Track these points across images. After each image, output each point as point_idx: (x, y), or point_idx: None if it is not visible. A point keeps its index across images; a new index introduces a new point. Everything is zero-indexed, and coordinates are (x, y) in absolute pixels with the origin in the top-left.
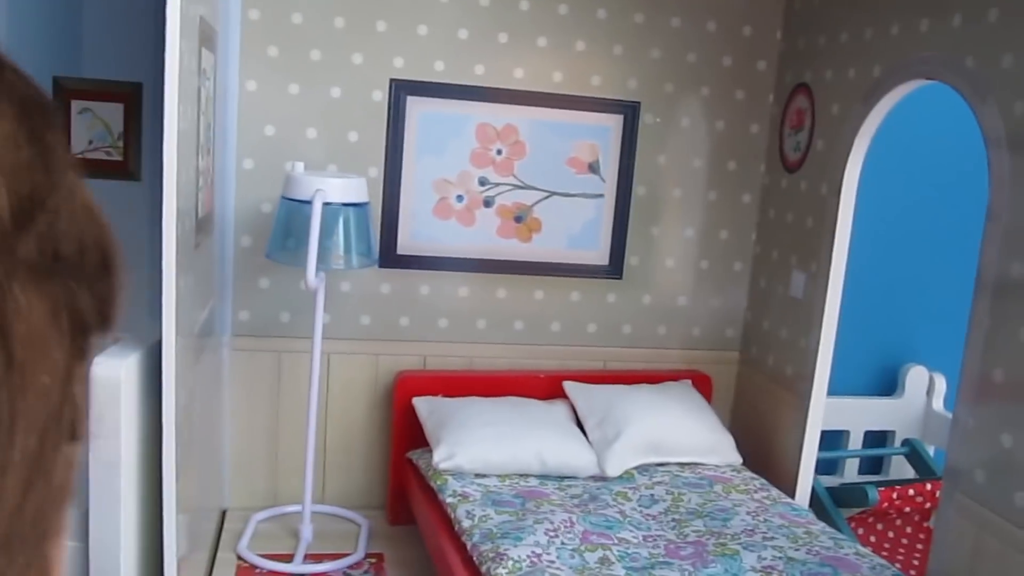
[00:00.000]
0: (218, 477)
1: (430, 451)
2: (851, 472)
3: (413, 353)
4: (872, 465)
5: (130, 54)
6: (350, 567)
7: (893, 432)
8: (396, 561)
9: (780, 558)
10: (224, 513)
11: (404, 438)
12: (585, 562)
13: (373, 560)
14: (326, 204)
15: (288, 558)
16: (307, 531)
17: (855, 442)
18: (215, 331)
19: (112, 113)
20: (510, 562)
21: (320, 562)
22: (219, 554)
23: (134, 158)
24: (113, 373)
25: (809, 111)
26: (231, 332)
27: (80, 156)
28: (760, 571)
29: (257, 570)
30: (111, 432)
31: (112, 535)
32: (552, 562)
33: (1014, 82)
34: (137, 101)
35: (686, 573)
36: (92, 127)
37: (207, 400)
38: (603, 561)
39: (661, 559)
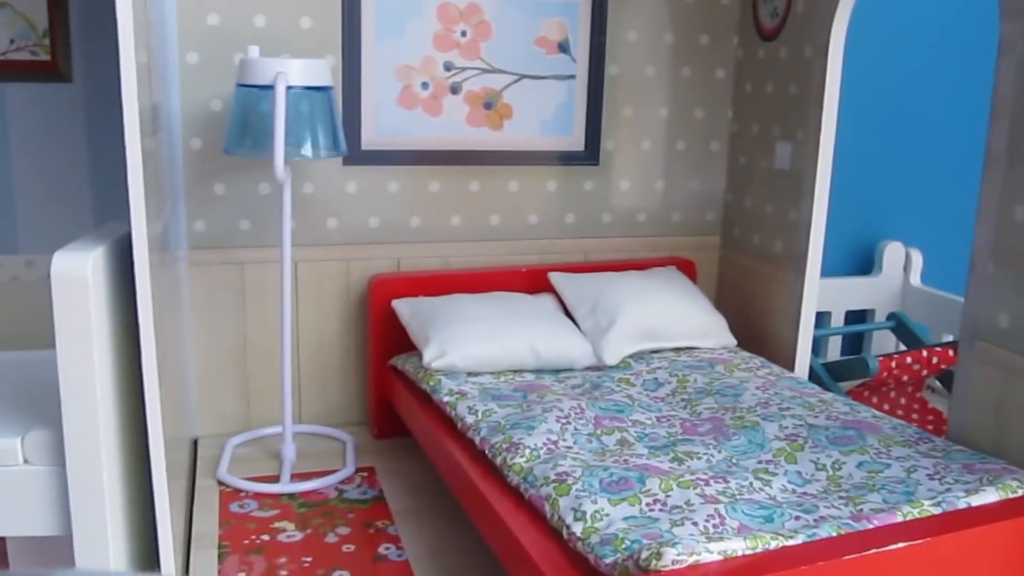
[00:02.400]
0: (187, 404)
1: (415, 355)
2: (834, 353)
3: (385, 256)
4: (853, 346)
5: None
6: (341, 482)
7: (873, 311)
8: (388, 472)
9: (801, 426)
10: (196, 442)
11: (383, 346)
12: (604, 445)
13: (364, 474)
14: (288, 88)
15: (273, 479)
16: (290, 450)
17: (836, 322)
18: (170, 245)
19: (34, 7)
20: (527, 451)
21: (309, 480)
22: (198, 482)
23: (63, 57)
24: (78, 269)
25: None
26: (187, 245)
27: (2, 57)
28: (784, 439)
29: (242, 493)
30: (81, 338)
31: (92, 456)
32: (570, 447)
33: None
34: None
35: (710, 447)
36: (12, 24)
37: (170, 319)
38: (622, 443)
39: (680, 437)
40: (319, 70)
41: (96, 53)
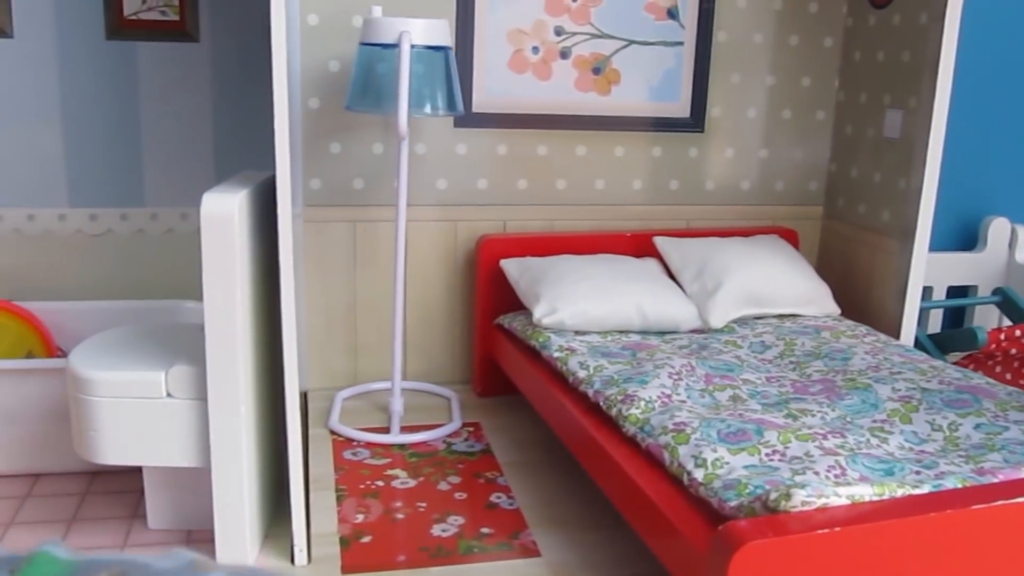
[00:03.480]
0: (301, 357)
1: (523, 313)
2: (935, 328)
3: (492, 218)
4: (955, 321)
5: None
6: (449, 435)
7: (975, 287)
8: (493, 428)
9: (914, 389)
10: (305, 395)
11: (489, 306)
12: (716, 400)
13: (471, 428)
14: (411, 47)
15: (383, 431)
16: (398, 404)
17: (938, 298)
18: (296, 201)
19: None
20: (642, 403)
21: (418, 432)
22: (311, 431)
23: (191, 17)
24: (227, 209)
25: None
26: (303, 202)
27: (133, 16)
28: (898, 400)
29: (354, 442)
30: (227, 275)
31: (231, 390)
32: (683, 401)
33: None
34: None
35: (823, 405)
36: None
37: (296, 272)
38: (735, 399)
39: (792, 396)
40: (440, 30)
41: (221, 14)
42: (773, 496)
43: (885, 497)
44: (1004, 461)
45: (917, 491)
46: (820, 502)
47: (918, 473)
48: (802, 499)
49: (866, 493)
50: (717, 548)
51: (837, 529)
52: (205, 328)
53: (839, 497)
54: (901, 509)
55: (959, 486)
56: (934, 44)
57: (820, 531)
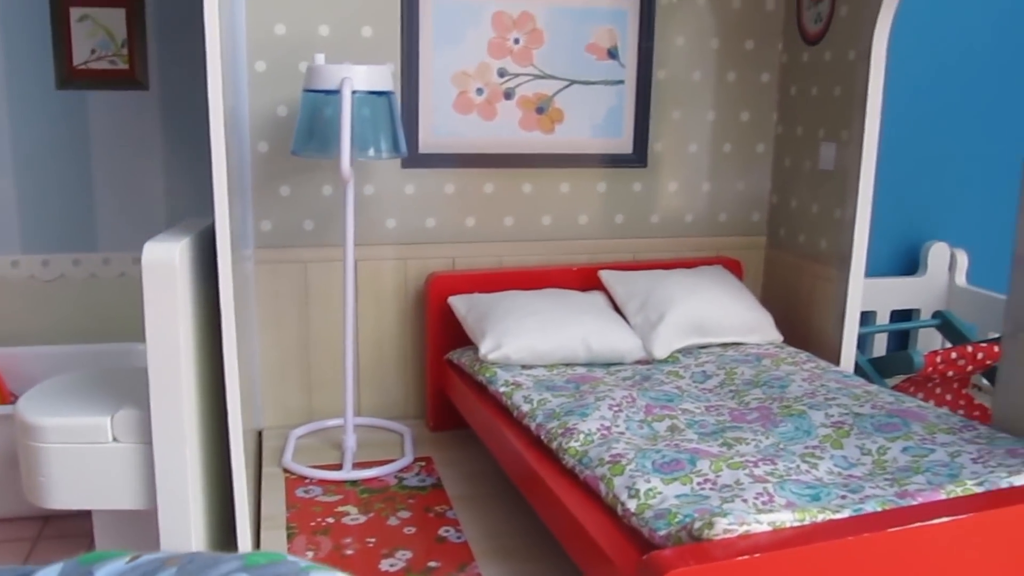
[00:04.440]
0: (253, 396)
1: (471, 348)
2: (879, 351)
3: (442, 256)
4: (899, 345)
5: None
6: (401, 470)
7: (918, 310)
8: (445, 462)
9: (847, 414)
10: (260, 433)
11: (439, 341)
12: (655, 431)
13: (423, 463)
14: (353, 92)
15: (336, 467)
16: (351, 440)
17: (882, 322)
18: (241, 243)
19: (114, 19)
20: (581, 435)
21: (370, 468)
22: (264, 469)
23: (140, 66)
24: (167, 257)
25: None
26: (255, 244)
27: (83, 66)
28: (831, 426)
29: (307, 480)
30: (168, 321)
31: (176, 434)
32: (622, 433)
33: None
34: (139, 4)
35: (758, 433)
36: (93, 35)
37: (241, 313)
38: (672, 429)
39: (729, 424)
40: (382, 75)
41: (170, 62)
42: (697, 525)
43: (806, 522)
44: (927, 483)
45: (838, 516)
46: (742, 529)
47: (844, 497)
48: (724, 527)
49: (787, 519)
50: (642, 574)
51: (757, 555)
52: (148, 373)
53: (760, 524)
54: (821, 534)
55: (879, 509)
56: (862, 79)
57: (741, 557)
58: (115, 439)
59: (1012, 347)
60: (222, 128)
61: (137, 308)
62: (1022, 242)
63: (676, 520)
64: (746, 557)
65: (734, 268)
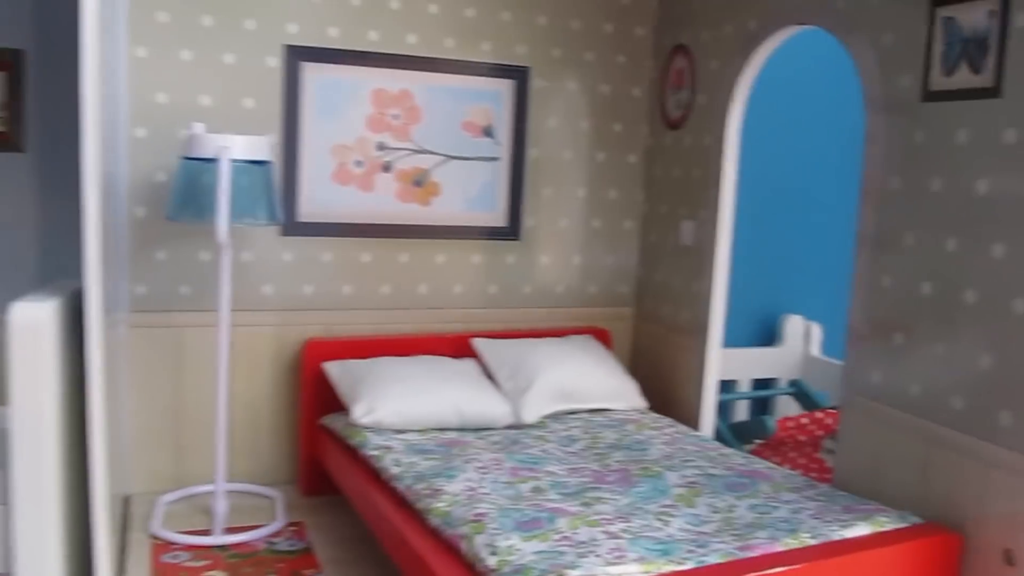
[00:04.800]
0: (120, 461)
1: (345, 414)
2: (742, 417)
3: (318, 322)
4: (761, 411)
5: (8, 19)
6: (271, 535)
7: (777, 379)
8: (317, 527)
9: (701, 475)
10: (128, 499)
11: (313, 407)
12: (519, 491)
13: (294, 528)
14: (231, 161)
15: (205, 533)
16: (221, 505)
17: (743, 390)
18: (112, 306)
19: None
20: (447, 496)
21: (240, 533)
22: (130, 535)
23: (18, 129)
24: (33, 317)
25: (688, 70)
26: (128, 308)
27: None
28: (684, 486)
29: (175, 545)
30: (35, 383)
31: (37, 496)
32: (487, 493)
33: (881, 16)
34: (19, 69)
35: (616, 493)
36: None
37: (111, 377)
38: (536, 490)
39: (590, 485)
40: (259, 146)
41: (49, 126)
42: None
43: (652, 574)
44: (769, 538)
45: (682, 567)
46: None
47: (691, 552)
48: None
49: (635, 571)
50: None
51: None
52: (12, 434)
53: None
54: None
55: (721, 561)
56: (716, 162)
57: None
58: None
59: (848, 411)
60: (95, 191)
61: (6, 371)
62: (855, 315)
63: (531, 575)
64: None
65: (603, 337)
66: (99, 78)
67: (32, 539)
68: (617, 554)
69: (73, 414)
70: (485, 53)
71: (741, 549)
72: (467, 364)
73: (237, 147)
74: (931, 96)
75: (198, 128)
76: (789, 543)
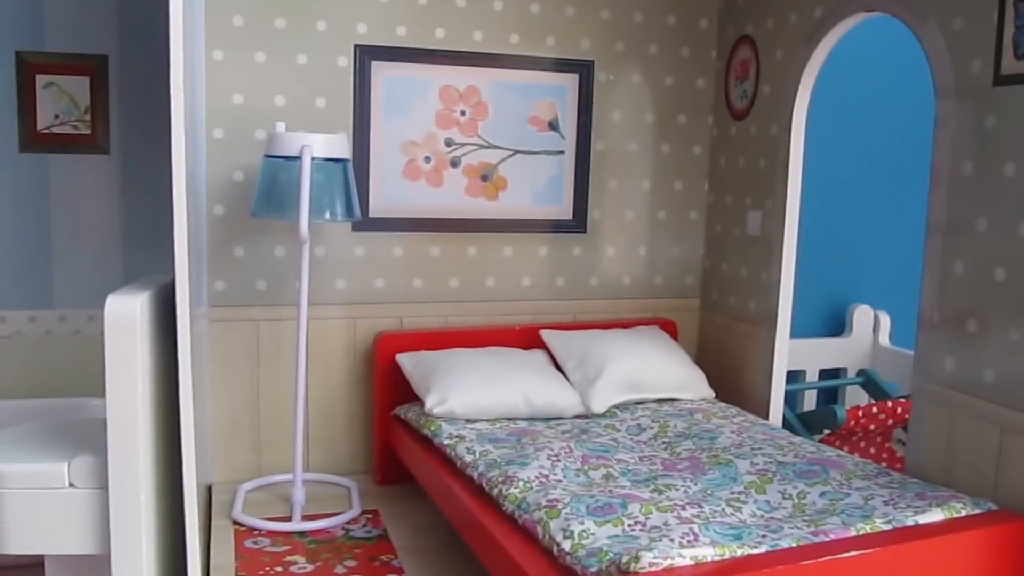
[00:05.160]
0: (204, 450)
1: (418, 404)
2: (809, 407)
3: (390, 315)
4: (829, 402)
5: (94, 26)
6: (348, 522)
7: (845, 369)
8: (391, 515)
9: (771, 463)
10: (210, 488)
11: (387, 398)
12: (590, 479)
13: (369, 515)
14: (311, 159)
15: (284, 519)
16: (299, 494)
17: (810, 380)
18: (197, 301)
19: (78, 86)
20: (520, 483)
21: (318, 520)
22: (214, 522)
23: (102, 131)
24: (129, 310)
25: (753, 60)
26: (208, 303)
27: (47, 130)
28: (755, 474)
29: (256, 531)
30: (128, 370)
31: (132, 480)
32: (560, 480)
33: (951, 1)
34: (103, 73)
35: (687, 480)
36: (58, 101)
37: (197, 368)
38: (607, 477)
39: (661, 472)
40: (338, 144)
41: (131, 129)
42: (624, 560)
43: (726, 557)
44: (841, 523)
45: (756, 551)
46: (666, 563)
47: (764, 536)
48: (650, 560)
49: (708, 554)
50: None
51: None
52: (107, 418)
53: (683, 558)
54: (738, 566)
55: (794, 545)
56: (783, 152)
57: None
58: (71, 484)
59: (920, 398)
60: (184, 189)
61: (91, 364)
62: (926, 302)
63: (607, 557)
64: None
65: (669, 329)
66: (186, 82)
67: (127, 521)
68: (689, 538)
69: (163, 405)
70: (549, 48)
71: (814, 534)
72: (536, 355)
73: (317, 145)
74: (1003, 80)
75: (280, 127)
76: (862, 528)
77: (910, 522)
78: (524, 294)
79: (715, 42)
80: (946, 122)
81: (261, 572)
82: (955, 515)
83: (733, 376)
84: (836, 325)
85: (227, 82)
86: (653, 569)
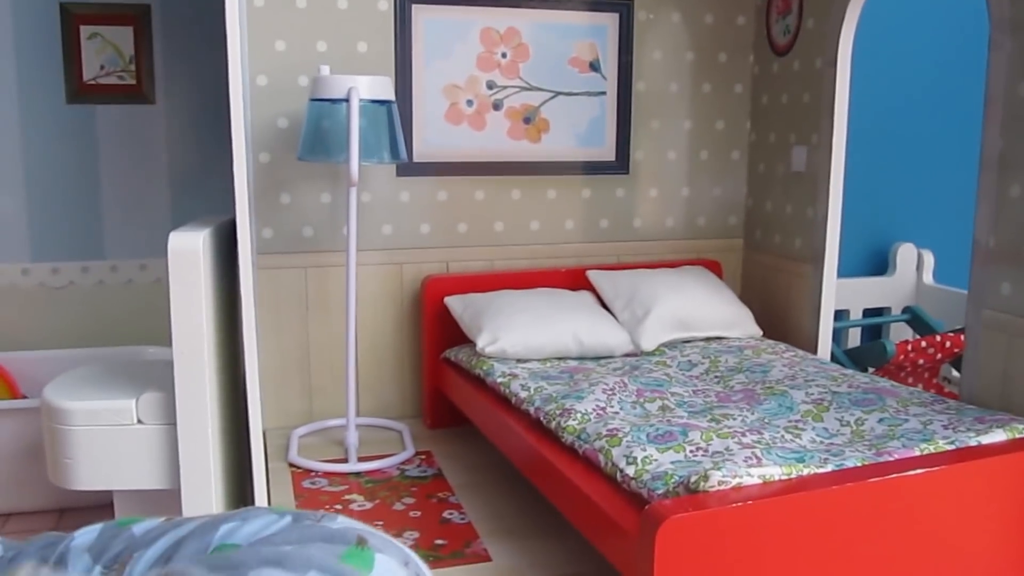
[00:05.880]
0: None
1: (467, 346)
2: (854, 346)
3: (435, 260)
4: (872, 339)
5: None
6: (402, 463)
7: (888, 308)
8: (444, 455)
9: (826, 392)
10: (264, 433)
11: (435, 341)
12: (647, 411)
13: (423, 456)
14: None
15: (340, 462)
16: (353, 437)
17: (855, 319)
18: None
19: (122, 36)
20: (578, 415)
21: (372, 461)
22: (270, 464)
23: (147, 81)
24: (192, 245)
25: None
26: (256, 251)
27: (92, 81)
28: (811, 403)
29: (313, 473)
30: (192, 305)
31: (199, 414)
32: (616, 412)
33: None
34: (146, 23)
35: (744, 410)
36: (102, 51)
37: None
38: (663, 409)
39: (716, 404)
40: (383, 86)
41: (176, 78)
42: (693, 479)
43: (793, 476)
44: (903, 446)
45: (822, 469)
46: (735, 482)
47: (826, 460)
48: (719, 479)
49: (776, 473)
50: (644, 526)
51: (749, 502)
52: (174, 355)
53: (751, 477)
54: (807, 485)
55: (859, 464)
56: (829, 86)
57: (734, 504)
58: (139, 421)
59: (975, 324)
60: (242, 135)
61: (144, 313)
62: (980, 229)
63: (672, 480)
64: (738, 504)
65: (714, 269)
66: (240, 30)
67: (195, 455)
68: (753, 461)
69: (222, 348)
70: None
71: (877, 455)
72: (583, 296)
73: (363, 87)
74: None
75: (324, 70)
76: (926, 448)
77: (973, 443)
78: (568, 237)
79: None
80: (1000, 44)
81: (322, 511)
82: (1018, 436)
83: (779, 314)
84: (879, 264)
85: (269, 28)
86: (722, 488)
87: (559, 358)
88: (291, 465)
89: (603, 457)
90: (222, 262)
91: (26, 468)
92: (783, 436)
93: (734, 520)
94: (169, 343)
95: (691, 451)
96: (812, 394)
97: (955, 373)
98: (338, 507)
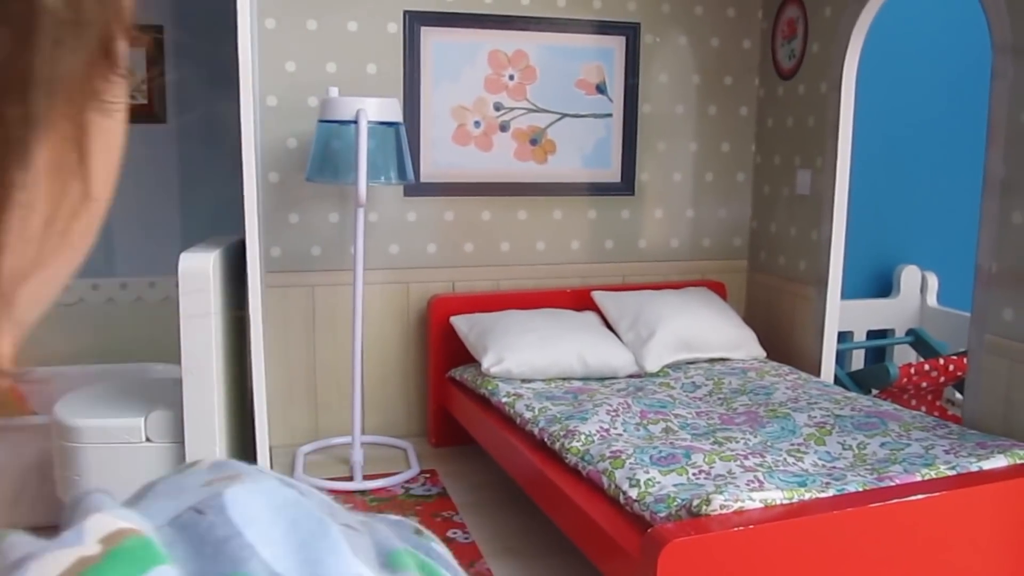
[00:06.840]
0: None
1: (473, 365)
2: (857, 368)
3: (442, 280)
4: (876, 360)
5: None
6: (407, 481)
7: (892, 330)
8: (449, 474)
9: (828, 416)
10: (270, 450)
11: (441, 361)
12: (650, 432)
13: (427, 475)
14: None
15: (345, 479)
16: (358, 455)
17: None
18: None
19: (134, 56)
20: (582, 436)
21: (377, 480)
22: None
23: (159, 100)
24: (202, 266)
25: (801, 19)
26: (264, 269)
27: None
28: (813, 426)
29: (318, 490)
30: (201, 326)
31: (207, 433)
32: (620, 434)
33: None
34: (159, 43)
35: (746, 432)
36: None
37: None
38: (667, 431)
39: (719, 426)
40: (391, 108)
41: (187, 98)
42: (695, 503)
43: (794, 500)
44: (904, 471)
45: (823, 494)
46: (737, 505)
47: (828, 484)
48: (720, 503)
49: (777, 497)
50: (646, 549)
51: (751, 527)
52: (182, 374)
53: (753, 501)
54: (808, 509)
55: (860, 489)
56: (833, 110)
57: (736, 528)
58: (148, 439)
59: (977, 350)
60: (253, 156)
61: (153, 330)
62: (983, 254)
63: (675, 503)
64: (740, 528)
65: (718, 290)
66: (251, 51)
67: None
68: (755, 484)
69: (229, 366)
70: (596, 11)
71: (878, 479)
72: (588, 316)
73: (371, 109)
74: None
75: (333, 92)
76: (927, 474)
77: (974, 468)
78: (573, 257)
79: (760, 3)
80: (1003, 73)
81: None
82: (1018, 461)
83: (783, 336)
84: (883, 286)
85: (279, 50)
86: (724, 511)
87: (564, 378)
88: None
89: (606, 479)
90: (231, 280)
91: (36, 484)
92: (785, 459)
93: (736, 544)
94: (177, 360)
95: (694, 473)
96: (815, 417)
97: (958, 396)
98: None
